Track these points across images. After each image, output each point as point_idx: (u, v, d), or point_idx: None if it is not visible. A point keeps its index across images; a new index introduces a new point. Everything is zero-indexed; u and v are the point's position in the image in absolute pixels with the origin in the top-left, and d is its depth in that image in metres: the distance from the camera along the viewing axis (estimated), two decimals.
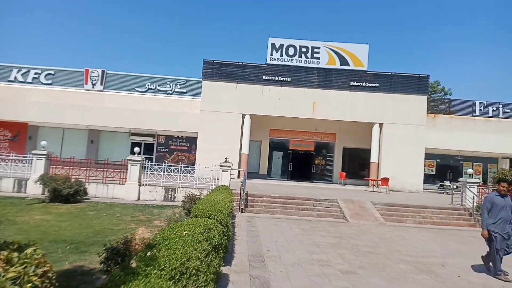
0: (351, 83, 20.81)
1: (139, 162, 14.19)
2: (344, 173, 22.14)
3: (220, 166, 14.04)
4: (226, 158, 14.39)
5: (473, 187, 13.38)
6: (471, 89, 66.10)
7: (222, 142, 19.87)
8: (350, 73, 20.90)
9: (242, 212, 11.68)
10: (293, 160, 23.92)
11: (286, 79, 20.83)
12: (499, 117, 22.95)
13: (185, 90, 23.28)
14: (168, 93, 23.29)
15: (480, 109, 23.08)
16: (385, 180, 18.40)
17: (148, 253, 2.80)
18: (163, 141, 23.79)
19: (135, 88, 23.06)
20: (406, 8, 76.40)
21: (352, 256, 6.97)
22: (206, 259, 3.18)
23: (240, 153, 20.35)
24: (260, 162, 23.64)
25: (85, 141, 23.58)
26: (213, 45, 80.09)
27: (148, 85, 23.14)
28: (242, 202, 11.92)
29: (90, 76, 22.81)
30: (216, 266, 3.75)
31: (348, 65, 20.93)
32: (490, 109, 23.12)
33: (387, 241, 8.78)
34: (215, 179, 14.36)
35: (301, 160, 23.97)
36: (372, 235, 9.44)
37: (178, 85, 23.34)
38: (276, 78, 20.82)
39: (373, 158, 20.73)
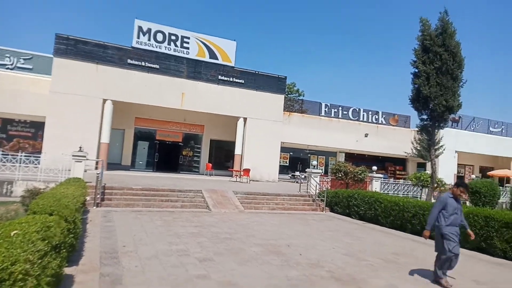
0: (220, 77, 21.38)
1: None
2: (211, 164, 22.74)
3: (73, 155, 12.52)
4: (80, 147, 12.95)
5: (316, 177, 15.61)
6: (320, 92, 76.59)
7: (77, 129, 17.71)
8: (219, 68, 21.44)
9: (97, 206, 10.75)
10: (160, 150, 23.21)
11: (154, 66, 19.94)
12: (339, 118, 27.33)
13: (31, 66, 19.87)
14: (8, 68, 19.48)
15: (325, 110, 27.03)
16: (247, 171, 19.73)
17: None
18: None
19: None
20: (270, 12, 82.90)
21: (211, 243, 7.24)
22: (41, 261, 2.81)
23: (99, 142, 18.59)
24: (123, 152, 22.11)
25: None
26: (68, 20, 70.32)
27: None
28: (98, 196, 10.96)
29: None
30: (55, 268, 3.35)
31: (217, 59, 21.41)
32: (333, 110, 27.33)
33: (244, 227, 9.45)
34: (66, 170, 12.74)
35: (168, 151, 23.48)
36: (231, 222, 10.01)
37: (22, 60, 19.77)
38: (143, 64, 19.71)
39: (237, 150, 21.91)
